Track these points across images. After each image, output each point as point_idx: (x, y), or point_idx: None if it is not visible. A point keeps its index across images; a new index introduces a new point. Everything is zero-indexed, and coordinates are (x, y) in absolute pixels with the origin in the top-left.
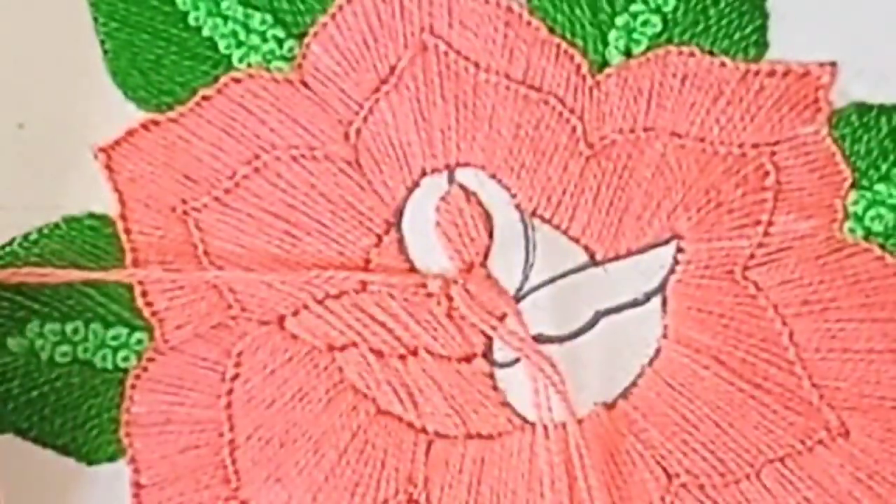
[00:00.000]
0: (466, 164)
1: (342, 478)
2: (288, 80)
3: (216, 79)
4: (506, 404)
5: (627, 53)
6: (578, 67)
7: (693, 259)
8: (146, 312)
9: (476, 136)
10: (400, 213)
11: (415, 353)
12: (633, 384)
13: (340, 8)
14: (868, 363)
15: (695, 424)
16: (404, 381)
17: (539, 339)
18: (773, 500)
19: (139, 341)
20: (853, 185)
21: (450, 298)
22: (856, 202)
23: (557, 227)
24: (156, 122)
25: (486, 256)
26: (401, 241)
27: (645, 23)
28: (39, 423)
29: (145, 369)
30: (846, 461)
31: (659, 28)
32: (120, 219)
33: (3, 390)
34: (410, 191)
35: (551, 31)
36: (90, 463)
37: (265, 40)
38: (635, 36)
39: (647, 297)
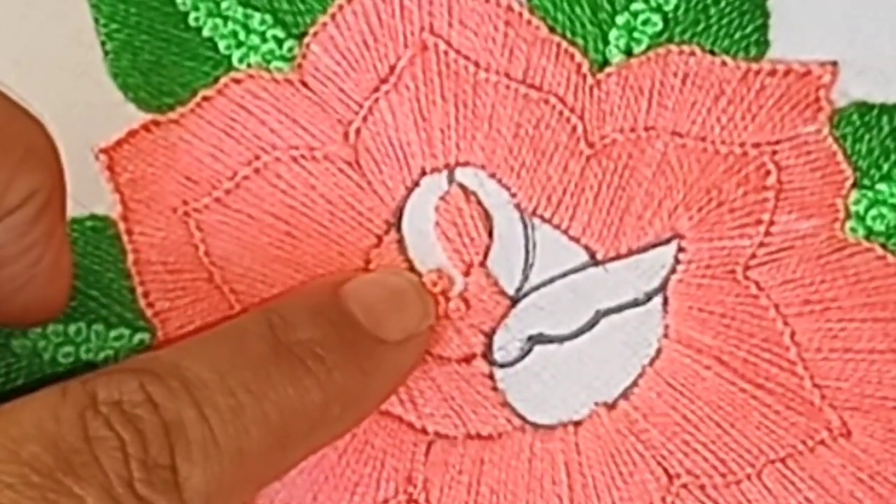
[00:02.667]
0: (466, 164)
1: (342, 478)
2: (288, 80)
3: (216, 79)
4: (506, 404)
5: (628, 52)
6: (579, 66)
7: (694, 259)
8: (148, 313)
9: (476, 136)
10: (400, 214)
11: None
12: (634, 384)
13: (340, 8)
14: (870, 363)
15: (696, 425)
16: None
17: (539, 339)
18: (775, 501)
19: (141, 342)
20: (855, 185)
21: (448, 299)
22: (857, 202)
23: (557, 227)
24: (156, 123)
25: (485, 256)
26: (400, 241)
27: (646, 22)
28: None
29: None
30: (848, 461)
31: (660, 27)
32: (121, 220)
33: (7, 391)
34: (410, 191)
35: (551, 30)
36: None
37: (265, 40)
38: (636, 35)
39: (648, 297)
